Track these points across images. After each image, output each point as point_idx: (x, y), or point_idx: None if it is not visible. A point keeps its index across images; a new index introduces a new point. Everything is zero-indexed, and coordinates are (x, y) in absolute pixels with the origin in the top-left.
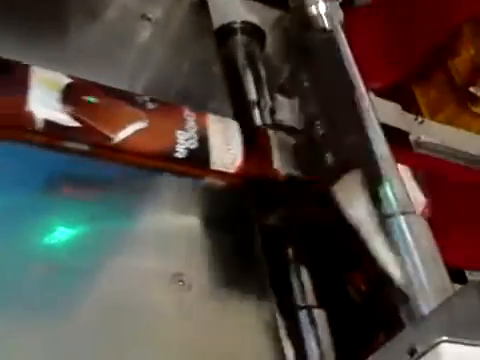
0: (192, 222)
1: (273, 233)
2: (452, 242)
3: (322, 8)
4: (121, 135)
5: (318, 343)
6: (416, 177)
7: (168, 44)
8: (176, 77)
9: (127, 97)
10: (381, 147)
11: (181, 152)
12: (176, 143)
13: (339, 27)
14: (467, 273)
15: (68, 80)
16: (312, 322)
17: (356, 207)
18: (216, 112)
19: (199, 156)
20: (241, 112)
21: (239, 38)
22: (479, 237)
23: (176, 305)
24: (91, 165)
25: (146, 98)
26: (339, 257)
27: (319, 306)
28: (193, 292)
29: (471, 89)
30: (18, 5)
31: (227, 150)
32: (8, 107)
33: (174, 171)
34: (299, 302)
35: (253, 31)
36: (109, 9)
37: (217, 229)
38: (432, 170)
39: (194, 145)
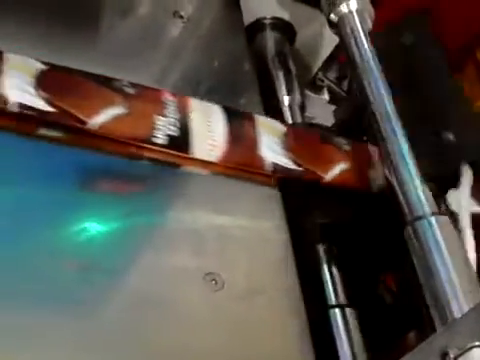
0: (225, 221)
1: (305, 231)
2: None
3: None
4: (98, 120)
5: (350, 342)
6: None
7: (199, 41)
8: (206, 74)
9: (105, 82)
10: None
11: (160, 138)
12: (154, 128)
13: None
14: None
15: (42, 66)
16: (344, 321)
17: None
18: (246, 109)
19: (179, 143)
20: (271, 109)
21: (269, 34)
22: None
23: (208, 304)
24: (125, 162)
25: (125, 82)
26: (372, 257)
27: (350, 305)
28: (225, 291)
29: None
30: (48, 4)
31: (209, 137)
32: None
33: (153, 159)
34: (331, 301)
35: (283, 27)
36: (141, 6)
37: (249, 228)
38: None
39: (175, 132)
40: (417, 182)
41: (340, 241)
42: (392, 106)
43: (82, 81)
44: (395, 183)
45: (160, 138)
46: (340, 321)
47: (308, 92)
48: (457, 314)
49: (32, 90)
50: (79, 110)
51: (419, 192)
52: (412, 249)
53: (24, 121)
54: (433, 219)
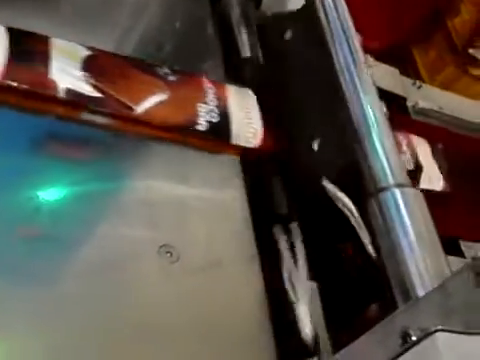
0: (182, 191)
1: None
2: (451, 212)
3: None
4: (143, 106)
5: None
6: (434, 151)
7: (161, 2)
8: (168, 36)
9: (148, 68)
10: (376, 115)
11: (203, 125)
12: (198, 115)
13: None
14: (462, 244)
15: (88, 51)
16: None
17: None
18: (208, 71)
19: (220, 130)
20: (233, 70)
21: None
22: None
23: (163, 277)
24: (77, 127)
25: (166, 69)
26: (332, 228)
27: (312, 279)
28: (181, 264)
29: (470, 51)
30: None
31: (248, 124)
32: (31, 77)
33: (194, 145)
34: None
35: None
36: None
37: (208, 199)
38: (429, 138)
39: (215, 118)
40: (383, 150)
41: (302, 213)
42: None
43: (126, 67)
44: (358, 151)
45: (202, 125)
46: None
47: None
48: (421, 292)
49: (80, 75)
50: (126, 96)
51: (383, 161)
52: (375, 223)
53: (70, 106)
54: (398, 191)
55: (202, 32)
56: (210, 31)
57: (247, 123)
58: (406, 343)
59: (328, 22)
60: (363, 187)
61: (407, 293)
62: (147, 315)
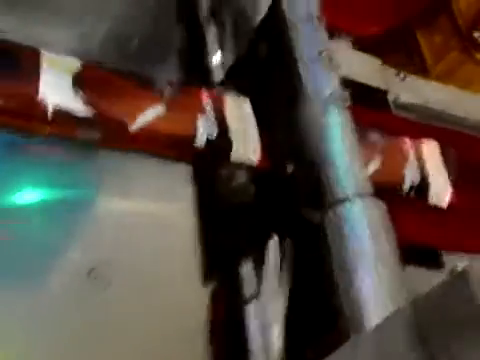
0: (124, 205)
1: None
2: (428, 220)
3: None
4: (138, 122)
5: (264, 339)
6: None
7: None
8: (135, 30)
9: (143, 81)
10: (337, 120)
11: (201, 140)
12: (195, 129)
13: None
14: (443, 256)
15: (80, 63)
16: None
17: None
18: (167, 71)
19: (220, 146)
20: (202, 67)
21: None
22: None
23: (92, 303)
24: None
25: (163, 81)
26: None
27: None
28: (114, 287)
29: (475, 34)
30: None
31: (247, 140)
32: (18, 95)
33: (190, 161)
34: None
35: None
36: None
37: (152, 213)
38: (412, 136)
39: (214, 133)
40: (343, 159)
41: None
42: None
43: (120, 81)
44: (318, 161)
45: (201, 139)
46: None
47: None
48: (372, 322)
49: (71, 91)
50: (119, 111)
51: (341, 170)
52: (330, 235)
53: (61, 123)
54: (356, 202)
55: (167, 26)
56: (173, 28)
57: (247, 139)
58: None
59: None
60: (324, 199)
61: (359, 321)
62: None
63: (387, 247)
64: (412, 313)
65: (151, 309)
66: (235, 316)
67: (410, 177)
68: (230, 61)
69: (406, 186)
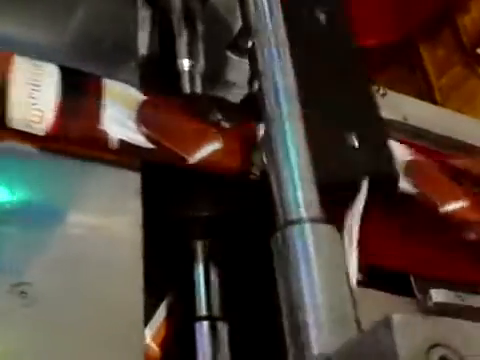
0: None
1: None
2: (397, 244)
3: None
4: (197, 156)
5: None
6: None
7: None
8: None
9: (200, 114)
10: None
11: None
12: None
13: None
14: (413, 281)
15: (142, 96)
16: (212, 337)
17: None
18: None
19: None
20: (171, 74)
21: None
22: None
23: (16, 322)
24: None
25: (219, 116)
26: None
27: (224, 318)
28: (39, 306)
29: (479, 50)
30: None
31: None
32: (81, 125)
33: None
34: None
35: None
36: None
37: (91, 225)
38: None
39: None
40: (299, 177)
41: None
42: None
43: (179, 113)
44: (272, 176)
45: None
46: (206, 336)
47: (230, 54)
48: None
49: (132, 125)
50: (180, 147)
51: (298, 190)
52: (276, 261)
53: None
54: (308, 226)
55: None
56: (134, 30)
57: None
58: None
59: None
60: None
61: (301, 349)
62: None
63: (339, 274)
64: None
65: (91, 323)
66: (186, 333)
67: None
68: (201, 68)
69: None
